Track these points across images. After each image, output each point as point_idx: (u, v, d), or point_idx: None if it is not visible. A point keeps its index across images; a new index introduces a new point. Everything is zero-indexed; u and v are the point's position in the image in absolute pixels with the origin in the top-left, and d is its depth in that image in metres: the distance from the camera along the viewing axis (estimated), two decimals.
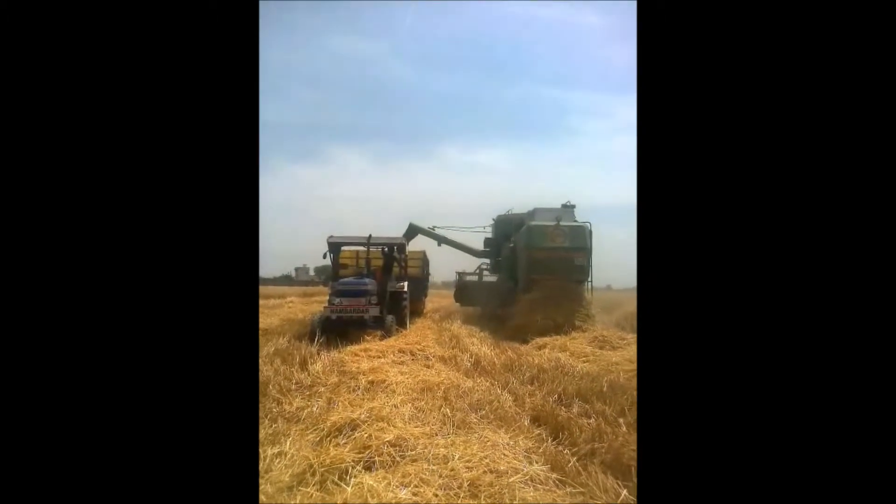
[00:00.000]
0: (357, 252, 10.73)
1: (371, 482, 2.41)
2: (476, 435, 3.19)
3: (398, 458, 2.78)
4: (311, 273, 45.04)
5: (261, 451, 3.00)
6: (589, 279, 10.61)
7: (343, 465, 2.70)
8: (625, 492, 2.47)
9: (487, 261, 14.93)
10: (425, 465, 2.62)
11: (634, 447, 2.99)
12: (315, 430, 3.36)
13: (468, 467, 2.61)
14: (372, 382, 4.58)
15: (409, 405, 3.79)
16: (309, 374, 4.94)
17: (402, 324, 8.73)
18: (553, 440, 3.31)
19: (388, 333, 7.61)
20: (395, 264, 9.99)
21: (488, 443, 3.00)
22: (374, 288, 8.19)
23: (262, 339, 7.09)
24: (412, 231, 14.65)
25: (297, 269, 50.80)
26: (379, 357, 5.82)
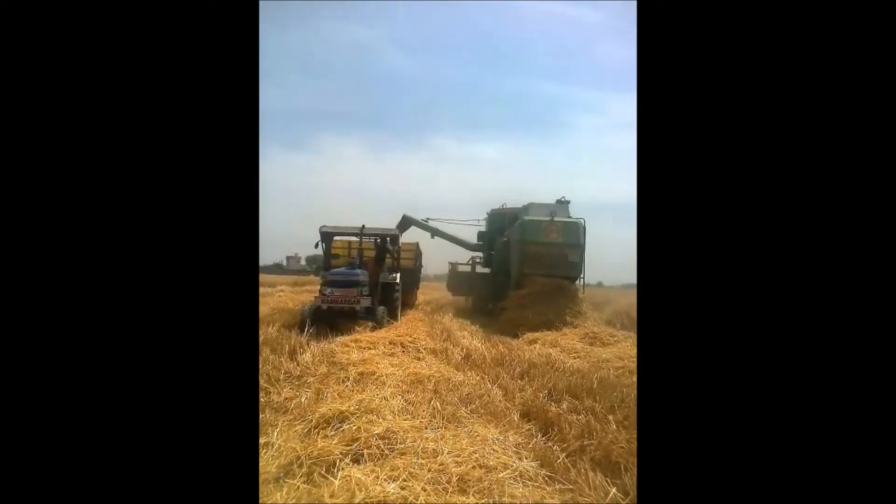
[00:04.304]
0: (349, 242, 10.66)
1: (359, 475, 2.38)
2: (466, 429, 3.17)
3: (387, 452, 2.75)
4: (303, 262, 44.89)
5: None
6: (581, 275, 10.62)
7: (331, 458, 2.67)
8: (613, 490, 2.47)
9: (480, 254, 14.92)
10: (414, 459, 2.59)
11: (623, 444, 2.99)
12: (303, 421, 3.33)
13: (457, 462, 2.59)
14: (362, 374, 4.54)
15: (399, 397, 3.76)
16: (298, 364, 4.89)
17: (393, 315, 8.69)
18: (543, 436, 3.31)
19: (379, 325, 7.56)
20: (388, 255, 9.92)
21: (478, 437, 2.99)
22: (366, 279, 8.13)
23: None
24: (406, 222, 14.55)
25: (288, 258, 50.67)
26: (369, 348, 5.77)
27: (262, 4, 1.77)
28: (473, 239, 15.08)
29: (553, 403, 3.99)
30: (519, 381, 4.85)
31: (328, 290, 7.79)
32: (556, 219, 10.40)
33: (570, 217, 10.82)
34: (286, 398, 3.86)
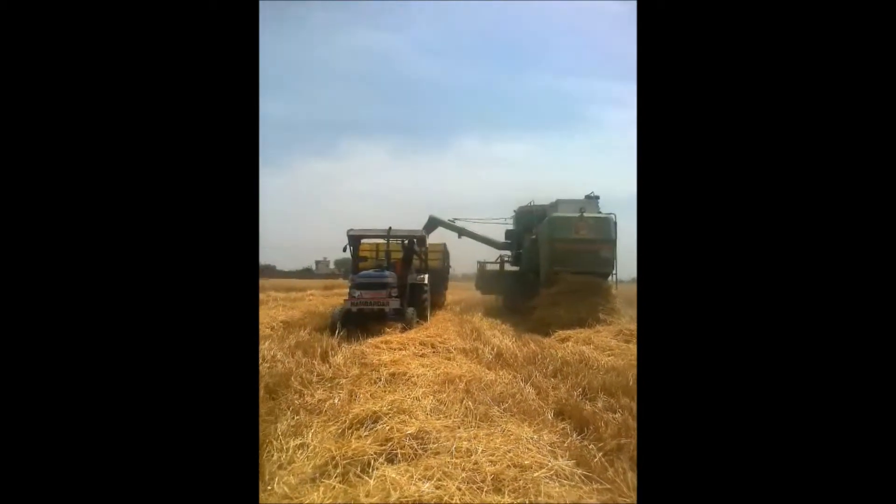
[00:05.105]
0: (377, 245, 10.75)
1: (394, 475, 2.38)
2: (499, 428, 3.14)
3: (420, 451, 2.75)
4: (332, 266, 45.67)
5: (283, 442, 3.01)
6: (614, 272, 10.41)
7: (365, 458, 2.68)
8: None
9: (509, 252, 14.82)
10: (448, 459, 2.58)
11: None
12: (337, 421, 3.36)
13: (491, 461, 2.56)
14: (393, 375, 4.56)
15: (431, 398, 3.75)
16: (330, 366, 4.96)
17: (422, 316, 8.71)
18: (578, 435, 3.25)
19: (408, 326, 7.60)
20: (416, 257, 9.96)
21: (511, 436, 2.95)
22: (394, 280, 8.18)
23: (284, 332, 7.16)
24: (432, 223, 14.59)
25: (317, 263, 51.68)
26: (400, 349, 5.80)
27: (262, 5, 1.80)
28: (501, 237, 14.99)
29: (588, 402, 3.91)
30: (552, 380, 4.78)
31: (357, 293, 7.87)
32: (585, 215, 10.23)
33: (599, 212, 10.62)
34: (319, 400, 3.90)
